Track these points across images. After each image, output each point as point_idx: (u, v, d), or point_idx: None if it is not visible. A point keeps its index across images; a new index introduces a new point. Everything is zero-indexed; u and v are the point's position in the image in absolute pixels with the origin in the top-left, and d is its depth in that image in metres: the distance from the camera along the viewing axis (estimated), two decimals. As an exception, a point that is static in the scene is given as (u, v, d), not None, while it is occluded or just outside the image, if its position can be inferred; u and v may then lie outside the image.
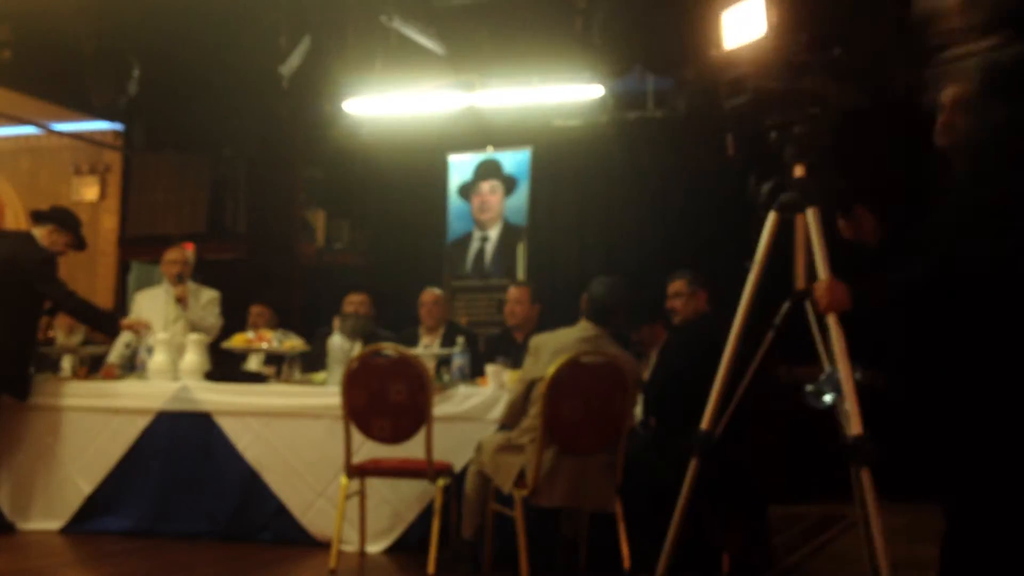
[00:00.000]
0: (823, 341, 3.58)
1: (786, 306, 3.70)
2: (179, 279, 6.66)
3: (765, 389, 5.45)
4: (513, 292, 6.66)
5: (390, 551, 5.40)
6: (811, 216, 3.65)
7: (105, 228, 11.46)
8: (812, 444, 8.16)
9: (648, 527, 5.00)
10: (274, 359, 6.41)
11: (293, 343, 6.12)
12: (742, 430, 5.14)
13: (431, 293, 6.91)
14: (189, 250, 6.91)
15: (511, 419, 4.87)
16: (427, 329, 6.75)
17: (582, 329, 4.86)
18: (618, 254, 9.16)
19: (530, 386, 4.76)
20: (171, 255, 6.78)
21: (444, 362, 5.82)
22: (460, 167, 9.15)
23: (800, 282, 3.73)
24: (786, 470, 7.53)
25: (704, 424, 3.47)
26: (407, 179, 9.80)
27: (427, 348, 6.48)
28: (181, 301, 6.62)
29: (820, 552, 5.80)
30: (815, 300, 3.55)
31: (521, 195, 8.81)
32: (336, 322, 6.08)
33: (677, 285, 5.48)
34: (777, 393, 5.92)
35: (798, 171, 3.71)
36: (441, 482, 4.94)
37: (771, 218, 3.78)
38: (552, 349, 4.75)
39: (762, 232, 3.85)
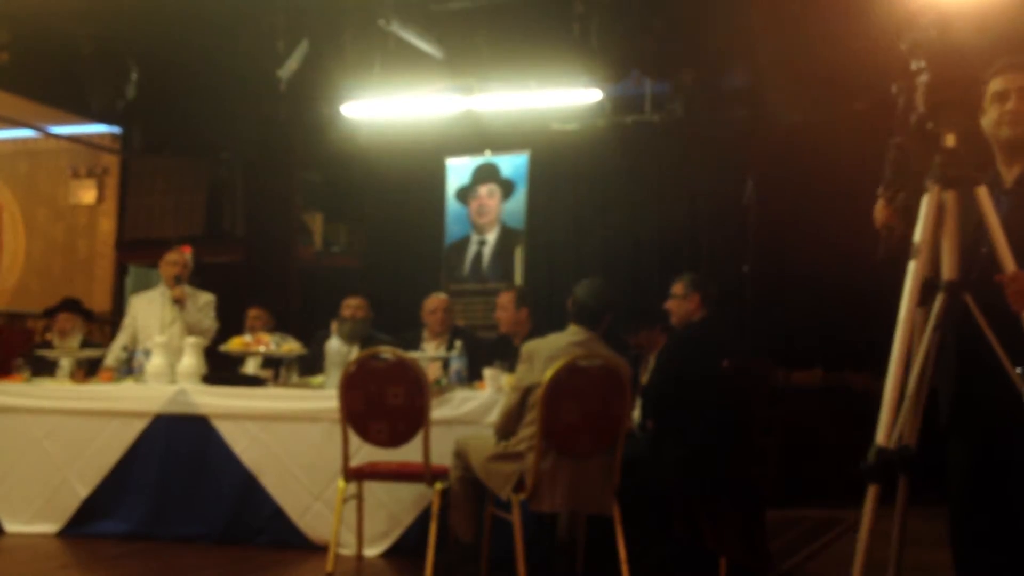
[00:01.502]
0: (996, 339, 3.01)
1: (940, 300, 3.21)
2: (177, 281, 6.67)
3: (762, 394, 5.47)
4: (499, 299, 6.66)
5: (387, 555, 5.40)
6: (984, 196, 3.11)
7: (102, 231, 11.46)
8: (810, 448, 8.21)
9: (646, 529, 5.02)
10: (271, 362, 6.40)
11: (290, 346, 6.11)
12: (739, 434, 5.17)
13: (437, 298, 6.83)
14: (188, 253, 6.91)
15: (507, 426, 4.82)
16: (433, 334, 6.72)
17: (572, 333, 4.87)
18: (615, 258, 9.17)
19: (526, 393, 4.75)
20: (170, 257, 6.80)
21: (447, 366, 5.82)
22: (458, 171, 9.15)
23: (949, 271, 3.23)
24: (782, 474, 7.56)
25: (880, 439, 2.92)
26: (405, 182, 9.80)
27: (425, 353, 6.47)
28: (179, 302, 6.62)
29: (818, 556, 5.80)
30: (1009, 296, 3.05)
31: (519, 199, 8.82)
32: (334, 325, 6.08)
33: (675, 287, 5.54)
34: (774, 398, 5.94)
35: (949, 141, 3.22)
36: (439, 486, 4.94)
37: (933, 194, 3.21)
38: (546, 355, 4.75)
39: (922, 210, 3.24)
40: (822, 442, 8.35)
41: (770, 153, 8.80)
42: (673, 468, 4.96)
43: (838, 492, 8.06)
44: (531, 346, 4.87)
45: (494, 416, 5.22)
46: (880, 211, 3.28)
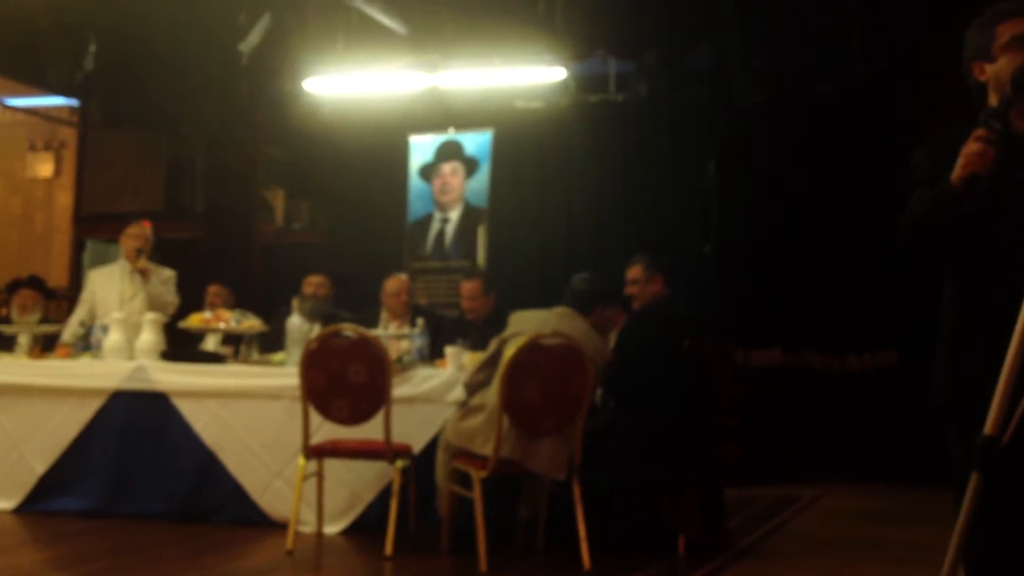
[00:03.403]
0: None
1: None
2: (139, 254, 6.59)
3: (723, 373, 5.51)
4: (465, 288, 6.60)
5: (347, 532, 5.39)
6: None
7: (60, 205, 11.33)
8: (768, 427, 8.30)
9: (606, 507, 5.06)
10: (232, 339, 6.36)
11: (251, 323, 6.07)
12: (700, 413, 5.21)
13: (399, 280, 6.77)
14: (148, 227, 6.83)
15: (476, 376, 4.93)
16: (394, 315, 6.69)
17: (558, 309, 4.99)
18: (578, 236, 9.20)
19: (502, 343, 4.83)
20: (132, 230, 6.72)
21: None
22: (421, 148, 9.11)
23: None
24: (742, 452, 7.64)
25: (988, 428, 2.43)
26: (368, 159, 9.76)
27: (386, 331, 6.45)
28: (144, 273, 6.55)
29: (775, 533, 5.87)
30: None
31: (482, 177, 8.79)
32: (295, 302, 6.05)
33: (634, 272, 5.54)
34: (735, 378, 5.99)
35: None
36: (399, 463, 4.94)
37: None
38: (523, 318, 4.91)
39: None
40: (781, 421, 8.44)
41: (733, 134, 8.85)
42: (633, 446, 5.00)
43: (796, 471, 8.17)
44: (519, 313, 5.02)
45: (455, 394, 5.24)
46: (973, 154, 2.52)
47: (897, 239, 2.75)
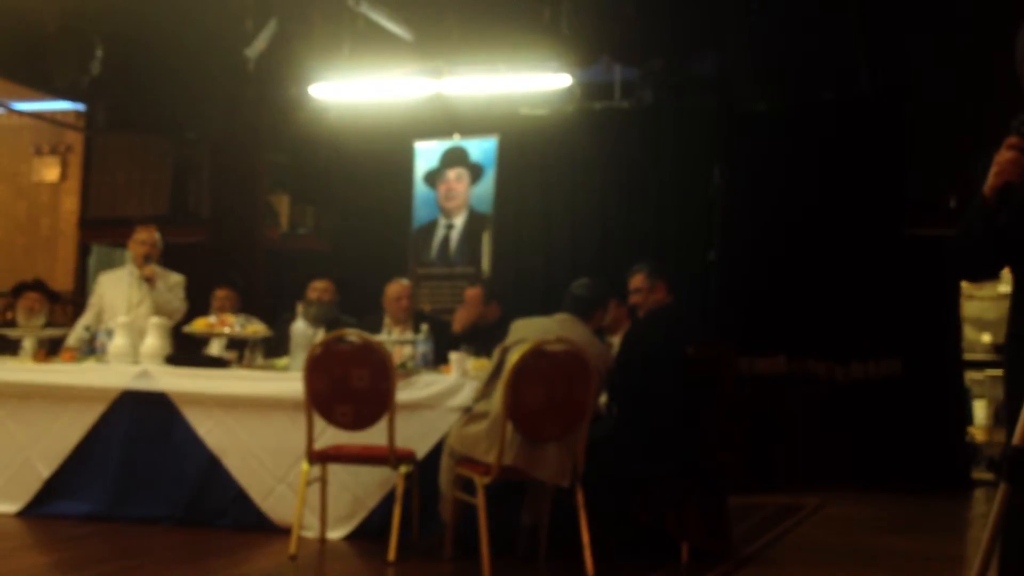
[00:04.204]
0: None
1: None
2: (146, 260, 6.60)
3: (727, 380, 5.51)
4: (467, 294, 6.67)
5: (351, 537, 5.39)
6: None
7: (66, 210, 11.34)
8: (772, 434, 8.28)
9: (609, 514, 5.06)
10: (236, 344, 6.37)
11: (255, 328, 6.08)
12: (703, 420, 5.21)
13: (400, 285, 6.79)
14: (157, 233, 6.84)
15: (486, 391, 4.94)
16: (396, 321, 6.70)
17: (558, 316, 5.01)
18: (583, 243, 9.19)
19: (505, 352, 4.84)
20: (140, 235, 6.72)
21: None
22: (426, 154, 9.11)
23: None
24: (746, 460, 7.62)
25: (1016, 439, 2.33)
26: (373, 165, 9.76)
27: (389, 336, 6.46)
28: (150, 281, 6.56)
29: (779, 541, 5.86)
30: None
31: (487, 183, 8.80)
32: (299, 307, 6.06)
33: (636, 281, 5.56)
34: (738, 384, 5.98)
35: None
36: (403, 469, 4.94)
37: None
38: (524, 326, 4.93)
39: None
40: (784, 429, 8.43)
41: (737, 140, 8.85)
42: (637, 452, 4.99)
43: (799, 479, 8.16)
44: (520, 321, 5.03)
45: (459, 399, 5.25)
46: (1006, 162, 2.43)
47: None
